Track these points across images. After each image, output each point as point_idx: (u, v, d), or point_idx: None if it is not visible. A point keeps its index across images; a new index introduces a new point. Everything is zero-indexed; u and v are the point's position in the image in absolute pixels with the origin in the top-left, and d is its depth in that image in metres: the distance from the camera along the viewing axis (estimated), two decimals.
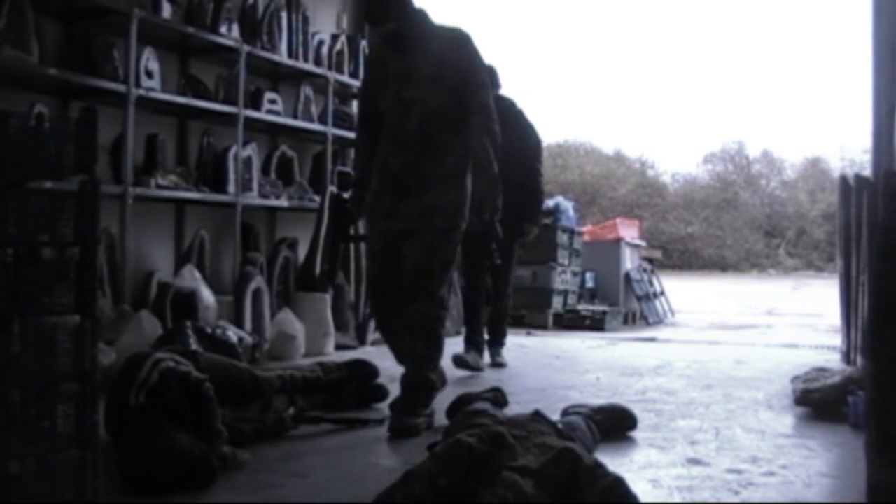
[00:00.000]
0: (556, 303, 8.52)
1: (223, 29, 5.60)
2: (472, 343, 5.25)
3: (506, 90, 5.54)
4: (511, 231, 4.96)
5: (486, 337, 5.42)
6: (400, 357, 3.67)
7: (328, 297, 5.77)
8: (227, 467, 2.71)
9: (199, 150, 5.69)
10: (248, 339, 4.81)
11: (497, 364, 5.35)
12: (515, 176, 4.91)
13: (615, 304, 9.15)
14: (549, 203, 9.08)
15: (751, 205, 26.11)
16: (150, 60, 4.98)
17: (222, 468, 2.67)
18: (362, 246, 5.80)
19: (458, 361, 4.95)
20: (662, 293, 10.09)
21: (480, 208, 3.61)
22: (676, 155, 46.70)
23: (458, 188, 3.53)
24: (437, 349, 3.56)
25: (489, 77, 3.65)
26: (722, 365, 5.57)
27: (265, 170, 6.11)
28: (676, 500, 2.53)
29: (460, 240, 3.58)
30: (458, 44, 3.52)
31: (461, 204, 3.54)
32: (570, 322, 8.36)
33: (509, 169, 4.73)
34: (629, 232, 10.08)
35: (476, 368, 5.04)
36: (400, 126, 3.52)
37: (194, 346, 4.17)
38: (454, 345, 6.47)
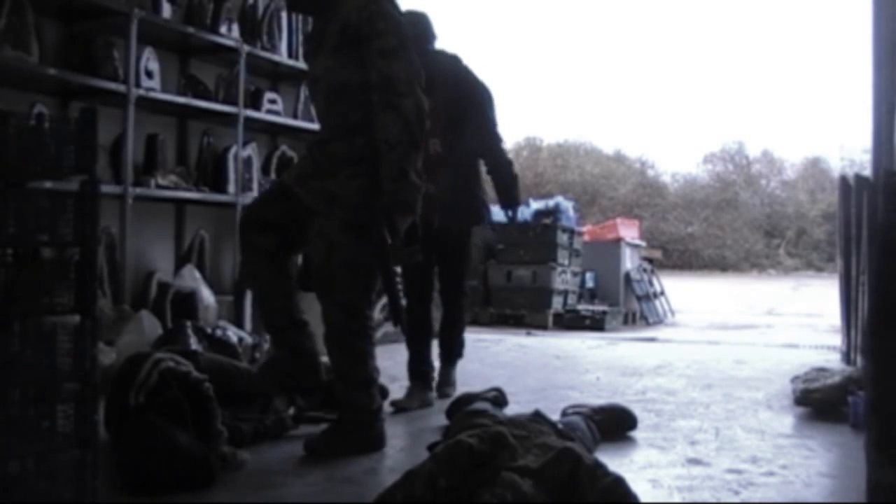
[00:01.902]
0: (556, 303, 8.53)
1: (223, 29, 5.60)
2: (416, 375, 4.06)
3: (481, 68, 4.42)
4: (458, 221, 4.14)
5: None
6: (263, 316, 3.24)
7: None
8: (228, 467, 2.71)
9: (199, 150, 5.70)
10: (248, 339, 4.81)
11: (444, 394, 4.06)
12: (463, 153, 4.04)
13: (615, 304, 9.15)
14: (550, 203, 9.11)
15: (751, 205, 26.11)
16: (150, 60, 4.98)
17: (222, 468, 2.67)
18: None
19: (397, 407, 3.85)
20: (662, 293, 10.10)
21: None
22: (676, 155, 46.71)
23: (366, 176, 3.01)
24: (354, 362, 3.06)
25: (400, 41, 3.01)
26: (722, 365, 5.57)
27: (265, 170, 6.11)
28: (676, 500, 2.53)
29: (376, 239, 3.01)
30: (361, 5, 3.01)
31: (367, 195, 3.01)
32: (570, 322, 8.37)
33: (453, 145, 4.03)
34: (629, 232, 10.08)
35: (424, 406, 3.95)
36: (314, 104, 3.17)
37: (194, 346, 4.17)
38: None
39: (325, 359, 3.33)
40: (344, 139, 3.05)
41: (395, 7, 3.11)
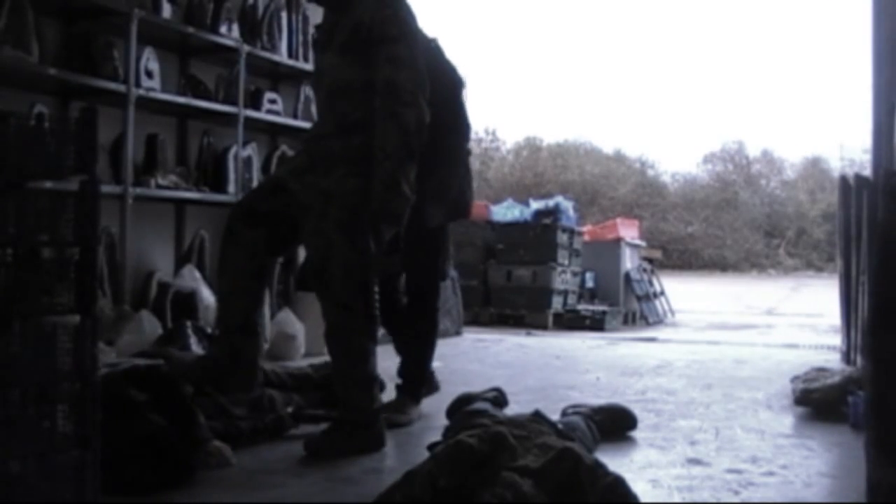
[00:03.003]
0: (556, 303, 8.52)
1: (223, 29, 5.60)
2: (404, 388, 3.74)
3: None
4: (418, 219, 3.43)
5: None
6: (220, 311, 3.23)
7: None
8: (217, 464, 2.71)
9: (199, 150, 5.70)
10: None
11: (393, 422, 3.42)
12: (446, 152, 3.57)
13: (615, 304, 9.15)
14: (550, 203, 9.10)
15: (751, 205, 26.13)
16: (150, 60, 4.98)
17: (210, 465, 2.67)
18: None
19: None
20: (662, 293, 10.10)
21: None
22: (676, 155, 46.76)
23: (361, 177, 2.98)
24: (354, 361, 3.04)
25: (411, 50, 2.93)
26: (722, 365, 5.57)
27: (265, 170, 6.11)
28: (676, 500, 2.53)
29: (360, 245, 2.98)
30: (379, 6, 2.98)
31: (362, 195, 2.97)
32: (570, 322, 8.37)
33: (439, 144, 3.46)
34: (629, 232, 10.09)
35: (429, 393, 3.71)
36: (316, 98, 3.13)
37: (194, 346, 4.18)
38: (454, 344, 6.46)
39: (321, 359, 3.33)
40: (341, 137, 3.03)
41: (411, 15, 3.08)
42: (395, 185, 2.92)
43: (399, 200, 2.95)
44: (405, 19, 3.02)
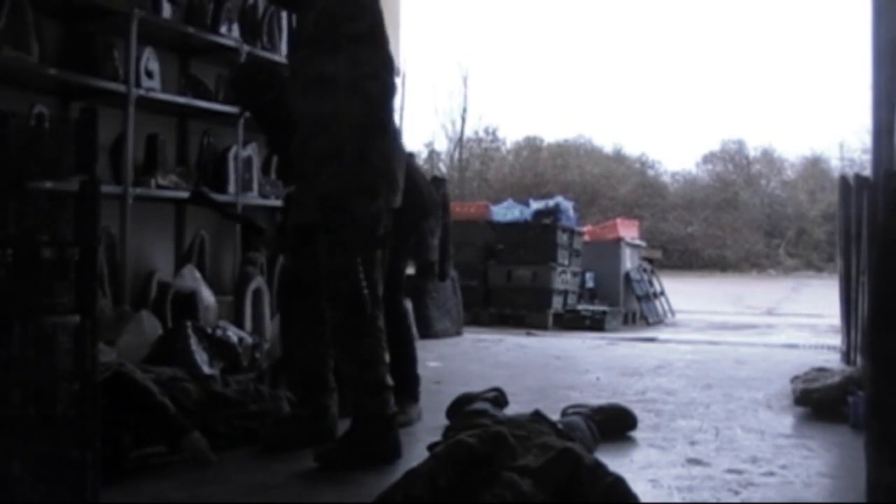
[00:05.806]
0: (556, 303, 8.53)
1: (223, 29, 5.60)
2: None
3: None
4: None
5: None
6: (298, 378, 3.26)
7: None
8: (193, 457, 2.72)
9: (199, 150, 5.69)
10: (248, 339, 4.81)
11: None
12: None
13: (615, 304, 9.15)
14: (550, 203, 9.10)
15: (751, 205, 26.11)
16: (150, 60, 4.98)
17: (184, 457, 2.71)
18: None
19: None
20: (662, 293, 10.10)
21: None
22: (676, 154, 46.79)
23: (355, 165, 2.91)
24: (363, 365, 2.94)
25: (371, 27, 2.93)
26: (722, 365, 5.57)
27: (265, 170, 6.11)
28: (676, 500, 2.53)
29: (374, 234, 2.94)
30: None
31: (362, 185, 2.90)
32: (570, 322, 8.37)
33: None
34: (629, 232, 10.08)
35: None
36: (294, 99, 3.09)
37: (194, 346, 4.18)
38: (454, 344, 6.47)
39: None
40: (323, 133, 2.94)
41: None
42: (364, 158, 2.88)
43: (369, 172, 2.90)
44: (367, 2, 3.01)
